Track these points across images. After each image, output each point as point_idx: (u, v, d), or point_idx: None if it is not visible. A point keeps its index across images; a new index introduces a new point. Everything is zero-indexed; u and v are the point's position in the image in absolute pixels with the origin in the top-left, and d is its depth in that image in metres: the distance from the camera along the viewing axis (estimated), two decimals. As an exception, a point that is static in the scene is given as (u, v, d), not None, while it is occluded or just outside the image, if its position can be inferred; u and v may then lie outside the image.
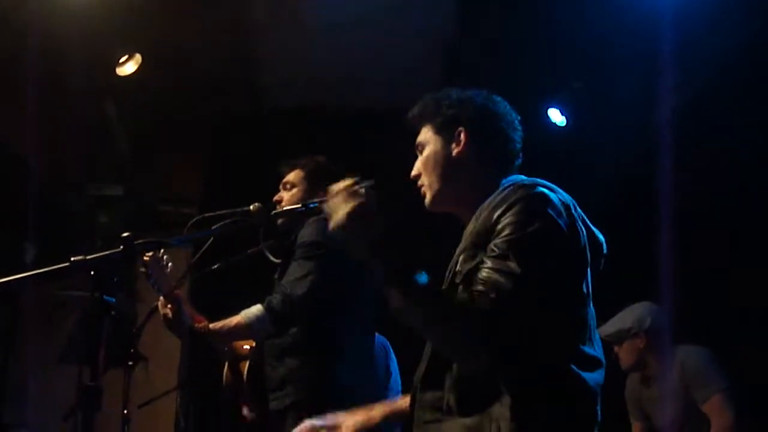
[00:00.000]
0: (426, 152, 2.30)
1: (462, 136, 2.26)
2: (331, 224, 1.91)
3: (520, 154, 2.32)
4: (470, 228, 2.14)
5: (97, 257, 2.00)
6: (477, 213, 2.13)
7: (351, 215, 1.88)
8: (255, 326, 3.26)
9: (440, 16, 5.21)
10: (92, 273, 1.99)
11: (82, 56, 5.00)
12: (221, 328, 3.29)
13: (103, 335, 1.95)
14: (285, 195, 3.66)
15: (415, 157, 2.36)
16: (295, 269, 3.35)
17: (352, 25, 5.23)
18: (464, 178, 2.26)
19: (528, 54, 4.64)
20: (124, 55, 5.24)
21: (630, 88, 4.83)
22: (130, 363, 3.82)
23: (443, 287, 2.09)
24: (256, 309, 3.27)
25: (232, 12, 5.24)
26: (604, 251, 2.20)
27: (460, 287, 1.99)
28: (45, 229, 5.50)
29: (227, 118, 6.22)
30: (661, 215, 4.57)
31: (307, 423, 2.36)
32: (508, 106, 2.33)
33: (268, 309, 3.25)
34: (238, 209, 3.25)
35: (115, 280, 2.01)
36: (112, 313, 2.00)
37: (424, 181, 2.30)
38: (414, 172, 2.33)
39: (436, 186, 2.28)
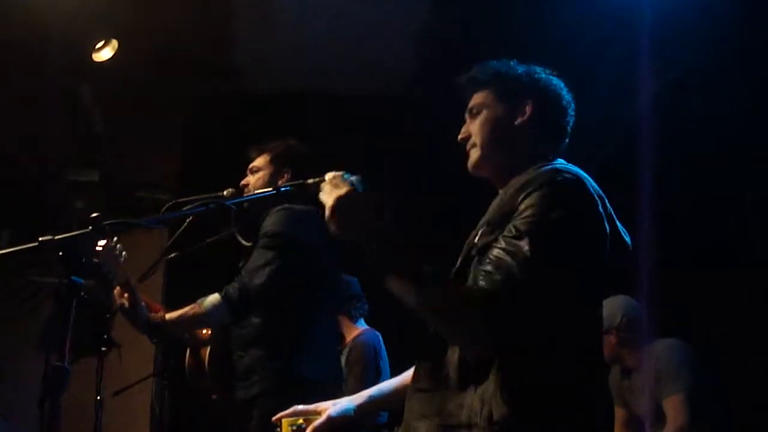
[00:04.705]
0: (486, 115, 2.26)
1: (528, 108, 2.22)
2: (326, 215, 1.91)
3: (568, 136, 2.30)
4: (496, 202, 2.13)
5: (65, 237, 1.99)
6: (506, 188, 2.11)
7: (336, 206, 1.88)
8: (212, 315, 3.25)
9: (415, 1, 5.22)
10: (60, 254, 1.98)
11: (59, 41, 4.96)
12: (178, 318, 3.27)
13: (72, 315, 1.94)
14: (251, 179, 3.63)
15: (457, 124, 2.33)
16: (256, 259, 3.33)
17: (329, 9, 5.23)
18: (515, 148, 2.22)
19: (504, 40, 4.64)
20: (100, 41, 5.20)
21: (609, 74, 4.84)
22: (103, 349, 3.82)
23: (461, 257, 2.08)
24: (213, 298, 3.25)
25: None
26: (629, 249, 2.14)
27: (474, 260, 1.97)
28: (20, 215, 5.47)
29: (204, 103, 6.19)
30: (641, 204, 4.59)
31: (292, 409, 2.35)
32: (566, 89, 2.30)
33: (225, 298, 3.24)
34: (212, 194, 3.27)
35: (84, 260, 2.00)
36: (82, 294, 1.99)
37: (474, 142, 2.26)
38: (463, 134, 2.29)
39: (487, 150, 2.23)
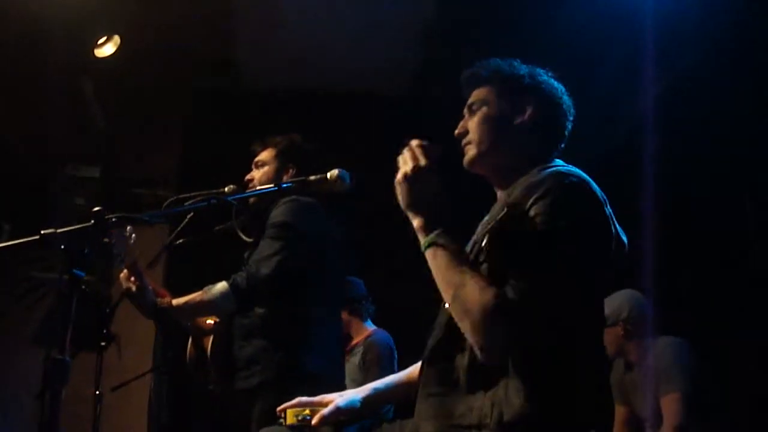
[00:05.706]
0: (485, 112, 2.26)
1: (529, 109, 2.22)
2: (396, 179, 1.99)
3: (565, 141, 2.30)
4: (500, 205, 2.13)
5: (67, 230, 2.01)
6: (509, 190, 2.12)
7: (407, 175, 1.96)
8: (219, 303, 3.27)
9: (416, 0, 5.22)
10: (63, 247, 1.99)
11: (61, 36, 4.96)
12: (185, 304, 3.30)
13: (73, 309, 1.95)
14: (256, 174, 3.64)
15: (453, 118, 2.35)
16: (263, 248, 3.35)
17: (330, 7, 5.24)
18: (512, 148, 2.22)
19: (506, 39, 4.63)
20: (102, 37, 5.20)
21: (610, 73, 4.84)
22: (103, 344, 3.81)
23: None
24: (221, 286, 3.27)
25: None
26: (626, 249, 2.14)
27: (483, 266, 1.95)
28: (20, 210, 5.47)
29: (205, 100, 6.19)
30: (641, 204, 4.59)
31: (296, 400, 2.36)
32: (566, 93, 2.31)
33: (233, 286, 3.26)
34: (214, 190, 3.29)
35: (86, 252, 2.01)
36: (83, 288, 2.00)
37: (471, 138, 2.25)
38: (461, 129, 2.29)
39: (484, 147, 2.23)
